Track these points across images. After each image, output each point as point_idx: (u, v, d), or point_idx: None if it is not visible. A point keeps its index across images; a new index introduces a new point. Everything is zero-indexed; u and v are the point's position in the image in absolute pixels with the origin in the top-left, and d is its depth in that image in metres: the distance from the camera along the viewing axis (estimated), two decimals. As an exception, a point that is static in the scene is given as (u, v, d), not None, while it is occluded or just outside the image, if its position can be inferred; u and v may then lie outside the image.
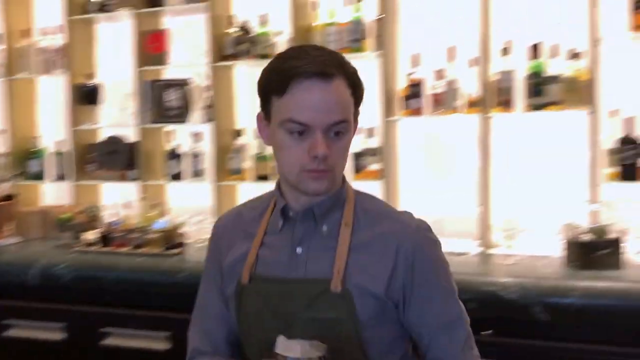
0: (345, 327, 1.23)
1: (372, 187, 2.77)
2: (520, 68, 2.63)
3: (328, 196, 1.29)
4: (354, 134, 1.28)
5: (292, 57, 1.22)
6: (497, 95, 2.65)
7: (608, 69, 2.52)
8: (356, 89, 1.26)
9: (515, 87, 2.63)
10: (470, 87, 2.69)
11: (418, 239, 1.29)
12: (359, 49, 2.86)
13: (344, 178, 1.34)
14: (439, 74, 2.72)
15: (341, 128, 1.22)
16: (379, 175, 2.83)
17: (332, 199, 1.30)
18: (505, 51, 2.64)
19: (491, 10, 2.68)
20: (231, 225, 1.39)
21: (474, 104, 2.68)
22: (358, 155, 2.87)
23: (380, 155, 2.82)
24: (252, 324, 1.29)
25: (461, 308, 1.32)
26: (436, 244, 1.32)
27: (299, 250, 1.28)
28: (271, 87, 1.22)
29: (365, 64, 2.92)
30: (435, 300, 1.29)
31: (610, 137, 2.49)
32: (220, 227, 1.42)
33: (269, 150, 3.03)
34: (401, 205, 2.91)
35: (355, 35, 2.86)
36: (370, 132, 2.85)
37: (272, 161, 3.01)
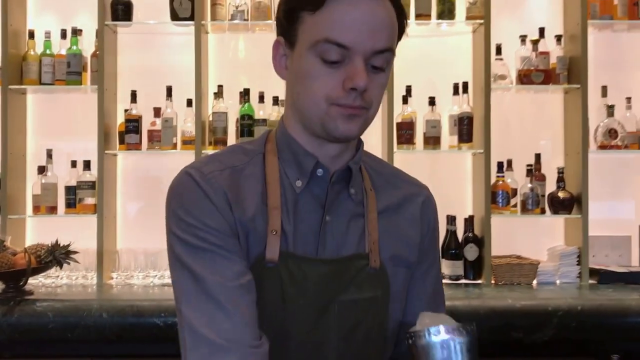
0: (379, 305, 1.06)
1: (89, 222, 2.76)
2: (233, 110, 2.87)
3: (359, 152, 1.08)
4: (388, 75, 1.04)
5: None
6: (212, 134, 2.86)
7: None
8: (400, 16, 1.02)
9: (228, 127, 2.86)
10: (186, 125, 2.85)
11: (433, 203, 1.17)
12: (77, 82, 2.85)
13: None
14: (157, 112, 2.84)
15: (384, 60, 0.99)
16: (95, 209, 2.81)
17: (360, 155, 1.08)
18: (217, 94, 2.87)
19: (205, 57, 2.90)
20: (229, 180, 1.02)
21: (189, 142, 2.84)
22: (73, 189, 2.83)
23: (97, 189, 2.81)
24: (271, 312, 0.99)
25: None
26: None
27: (328, 218, 1.04)
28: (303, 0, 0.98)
29: (84, 98, 2.92)
30: (434, 268, 1.17)
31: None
32: (218, 179, 1.01)
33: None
34: (120, 240, 2.93)
35: (73, 68, 2.84)
36: (86, 165, 2.83)
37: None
